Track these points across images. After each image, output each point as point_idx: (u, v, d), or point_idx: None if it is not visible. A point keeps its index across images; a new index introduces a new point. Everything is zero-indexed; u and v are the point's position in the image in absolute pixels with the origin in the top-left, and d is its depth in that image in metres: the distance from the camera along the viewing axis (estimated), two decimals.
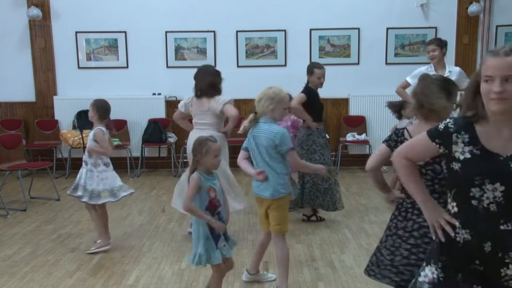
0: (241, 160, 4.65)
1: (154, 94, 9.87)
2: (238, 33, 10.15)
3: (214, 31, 10.14)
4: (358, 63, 10.33)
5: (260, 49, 10.27)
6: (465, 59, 10.19)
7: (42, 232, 6.55)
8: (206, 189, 4.10)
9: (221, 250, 4.18)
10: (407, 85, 7.15)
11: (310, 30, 10.19)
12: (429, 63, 7.07)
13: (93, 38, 10.10)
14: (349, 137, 10.13)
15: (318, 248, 5.96)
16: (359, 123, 10.26)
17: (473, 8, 10.04)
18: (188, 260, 4.18)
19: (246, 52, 10.26)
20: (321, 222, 6.89)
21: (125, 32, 10.06)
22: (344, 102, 10.31)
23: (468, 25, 10.25)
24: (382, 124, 10.08)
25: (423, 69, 7.07)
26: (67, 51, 10.08)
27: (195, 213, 4.11)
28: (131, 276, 5.15)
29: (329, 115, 10.08)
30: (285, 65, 9.97)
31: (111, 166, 5.84)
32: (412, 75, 7.16)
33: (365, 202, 7.80)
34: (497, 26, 10.31)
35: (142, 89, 9.87)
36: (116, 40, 10.10)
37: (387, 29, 10.22)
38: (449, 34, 9.93)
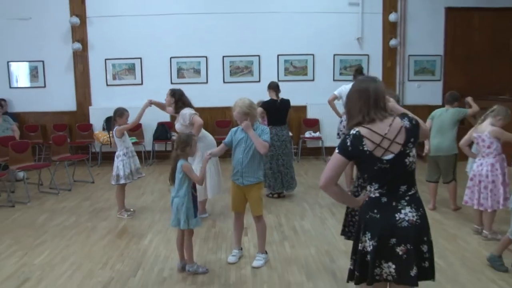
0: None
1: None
2: (224, 57, 10.27)
3: (206, 56, 10.25)
4: (313, 80, 10.46)
5: (241, 69, 10.37)
6: (388, 78, 10.31)
7: (82, 206, 6.73)
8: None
9: (198, 218, 4.35)
10: (335, 97, 7.25)
11: (278, 55, 10.33)
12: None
13: (117, 63, 10.20)
14: (307, 134, 10.26)
15: (284, 216, 6.12)
16: (314, 124, 10.38)
17: (393, 42, 10.30)
18: (174, 225, 4.33)
19: (230, 72, 10.35)
20: (285, 197, 7.00)
21: (140, 58, 10.18)
22: (303, 108, 10.40)
23: (390, 54, 10.46)
24: (331, 124, 9.84)
25: (347, 86, 6.86)
26: (99, 73, 10.19)
27: (202, 174, 4.30)
28: (146, 239, 5.34)
29: (292, 118, 10.09)
30: (259, 81, 10.05)
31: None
32: (338, 90, 7.23)
33: (318, 182, 7.93)
34: (409, 55, 10.52)
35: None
36: (134, 64, 10.21)
37: (334, 55, 10.38)
38: (377, 60, 10.34)
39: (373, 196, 2.63)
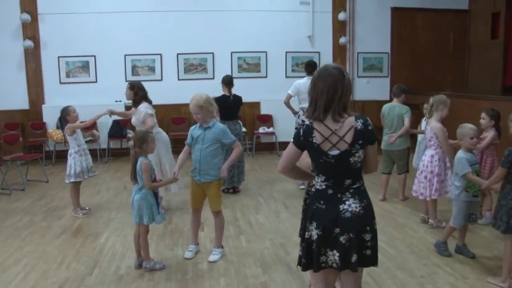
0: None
1: (116, 101, 9.75)
2: (179, 55, 10.18)
3: (160, 54, 10.13)
4: (266, 77, 10.50)
5: (195, 66, 10.29)
6: None
7: (36, 205, 6.52)
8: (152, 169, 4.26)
9: (161, 213, 4.32)
10: (290, 96, 7.20)
11: (231, 52, 10.31)
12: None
13: (71, 60, 9.92)
14: (261, 130, 10.28)
15: (240, 211, 6.12)
16: (268, 120, 10.41)
17: (342, 40, 10.50)
18: (136, 222, 4.25)
19: (185, 69, 10.26)
20: (240, 192, 7.00)
21: (94, 56, 9.93)
22: (257, 105, 10.44)
23: (340, 51, 10.65)
24: (284, 120, 10.01)
25: (301, 81, 7.07)
26: (52, 71, 9.88)
27: (157, 186, 4.30)
28: (102, 237, 5.23)
29: (246, 114, 10.19)
30: (213, 78, 9.92)
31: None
32: (292, 88, 7.15)
33: (273, 176, 7.97)
34: (358, 53, 10.75)
35: (107, 97, 9.68)
36: (88, 61, 9.96)
37: (286, 52, 10.46)
38: (327, 57, 10.45)
39: (320, 188, 2.68)
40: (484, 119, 5.28)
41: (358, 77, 10.78)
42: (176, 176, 4.42)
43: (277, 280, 4.09)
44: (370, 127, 2.58)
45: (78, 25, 9.76)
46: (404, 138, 6.21)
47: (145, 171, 4.16)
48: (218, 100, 6.88)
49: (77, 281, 4.09)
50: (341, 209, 2.60)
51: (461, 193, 4.33)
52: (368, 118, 2.62)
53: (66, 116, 5.86)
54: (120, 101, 9.84)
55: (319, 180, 2.69)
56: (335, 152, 2.57)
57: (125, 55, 10.04)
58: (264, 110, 10.49)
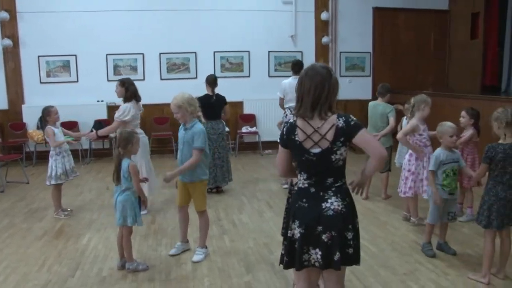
0: None
1: (98, 101, 9.71)
2: (161, 54, 10.11)
3: (142, 53, 10.05)
4: (249, 76, 10.50)
5: (178, 66, 10.24)
6: None
7: (16, 207, 6.43)
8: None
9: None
10: (283, 99, 7.10)
11: (214, 52, 10.28)
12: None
13: (51, 60, 9.77)
14: (244, 129, 10.27)
15: (223, 211, 6.12)
16: (251, 119, 10.40)
17: (325, 39, 10.54)
18: (120, 223, 4.21)
19: (167, 69, 10.20)
20: (223, 192, 6.97)
21: (75, 55, 9.81)
22: (240, 104, 10.40)
23: (322, 51, 10.67)
24: (267, 119, 10.20)
25: (286, 81, 7.03)
26: (32, 70, 9.73)
27: (142, 192, 4.25)
28: (84, 238, 5.17)
29: (229, 114, 10.17)
30: (196, 77, 9.98)
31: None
32: (280, 90, 7.10)
33: (256, 176, 8.00)
34: (340, 52, 10.82)
35: (89, 97, 9.67)
36: (68, 61, 9.83)
37: (269, 52, 10.46)
38: (310, 56, 10.48)
39: (302, 186, 2.70)
40: (464, 118, 5.36)
41: (341, 76, 10.79)
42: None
43: (261, 279, 4.09)
44: (352, 123, 2.57)
45: (58, 24, 9.62)
46: (386, 137, 6.26)
47: (135, 174, 4.13)
48: (201, 99, 6.83)
49: (59, 283, 4.04)
50: (323, 207, 2.61)
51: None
52: (351, 116, 2.62)
53: (46, 117, 5.79)
54: (102, 101, 9.80)
55: (302, 178, 2.70)
56: (316, 150, 2.59)
57: (106, 55, 9.94)
58: (247, 110, 10.48)
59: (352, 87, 10.79)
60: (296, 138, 2.61)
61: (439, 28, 11.11)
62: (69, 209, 6.13)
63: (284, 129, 2.68)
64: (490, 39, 10.01)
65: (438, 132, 4.46)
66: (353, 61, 10.92)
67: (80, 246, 4.95)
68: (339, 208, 2.60)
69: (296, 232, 2.66)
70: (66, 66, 9.87)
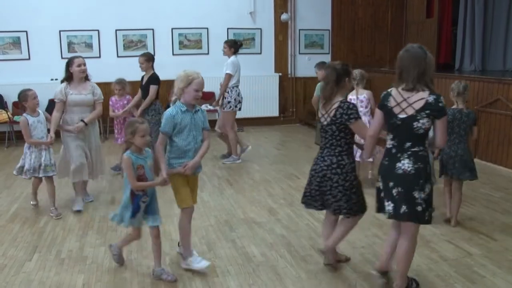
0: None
1: (52, 79, 9.43)
2: (117, 31, 9.86)
3: (98, 30, 9.76)
4: (208, 53, 10.39)
5: (134, 43, 10.02)
6: (280, 51, 10.65)
7: None
8: (136, 167, 3.55)
9: (137, 219, 3.68)
10: (230, 76, 7.29)
11: (172, 29, 10.11)
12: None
13: (0, 36, 9.35)
14: (204, 107, 9.89)
15: None
16: (210, 97, 10.28)
17: (284, 16, 10.53)
18: (109, 217, 3.85)
19: (124, 46, 9.96)
20: None
21: (26, 31, 9.40)
22: None
23: (281, 28, 10.67)
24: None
25: (234, 59, 7.35)
26: None
27: (142, 187, 3.57)
28: (41, 221, 5.06)
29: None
30: (154, 55, 9.78)
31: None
32: (231, 67, 7.30)
33: (216, 154, 7.95)
34: (299, 30, 10.84)
35: (42, 76, 9.26)
36: (19, 37, 9.42)
37: (228, 29, 10.37)
38: (269, 33, 10.51)
39: (388, 146, 3.23)
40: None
41: (300, 53, 10.89)
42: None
43: (222, 256, 4.13)
44: (441, 104, 3.01)
45: None
46: None
47: (127, 167, 3.56)
48: (158, 79, 6.81)
49: (15, 268, 3.96)
50: (396, 166, 3.12)
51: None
52: (441, 96, 3.04)
53: (22, 102, 5.12)
54: (56, 79, 9.44)
55: (389, 138, 3.23)
56: (403, 115, 3.07)
57: (60, 31, 9.58)
58: (206, 87, 9.92)
59: (311, 65, 10.79)
60: (388, 104, 3.14)
61: (396, 6, 11.27)
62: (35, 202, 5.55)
63: (382, 96, 3.21)
64: (444, 18, 10.24)
65: None
66: (312, 38, 10.96)
67: (37, 229, 4.83)
68: (408, 169, 3.07)
69: (380, 184, 3.26)
70: (16, 42, 9.47)
